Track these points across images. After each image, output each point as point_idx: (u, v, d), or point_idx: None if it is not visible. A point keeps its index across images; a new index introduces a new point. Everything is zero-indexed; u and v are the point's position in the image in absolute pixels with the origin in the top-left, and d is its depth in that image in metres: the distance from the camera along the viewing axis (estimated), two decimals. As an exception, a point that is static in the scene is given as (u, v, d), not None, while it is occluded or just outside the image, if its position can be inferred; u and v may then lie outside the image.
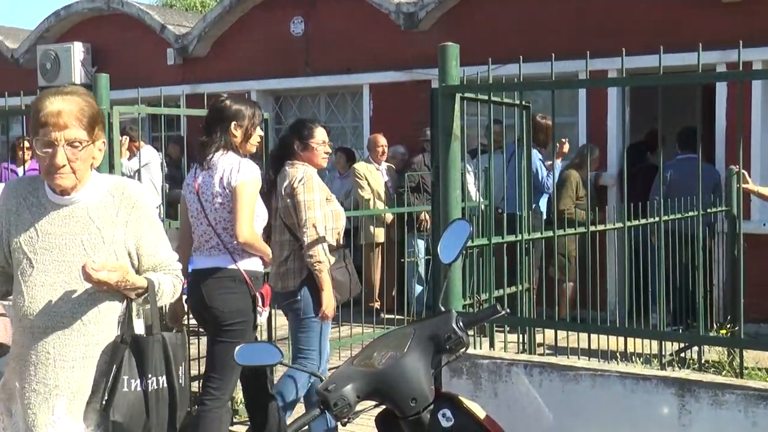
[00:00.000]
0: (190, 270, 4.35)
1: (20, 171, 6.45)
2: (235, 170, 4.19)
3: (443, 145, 4.24)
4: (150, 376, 2.84)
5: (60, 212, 2.86)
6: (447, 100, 4.24)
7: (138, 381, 2.83)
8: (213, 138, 4.28)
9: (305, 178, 4.71)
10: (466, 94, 4.36)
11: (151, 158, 9.32)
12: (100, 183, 2.93)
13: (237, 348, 2.74)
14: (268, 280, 4.73)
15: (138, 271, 2.93)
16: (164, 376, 2.87)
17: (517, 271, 4.75)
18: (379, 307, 8.75)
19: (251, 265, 4.28)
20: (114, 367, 2.79)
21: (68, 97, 2.79)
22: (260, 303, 4.25)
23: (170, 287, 2.98)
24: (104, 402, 2.78)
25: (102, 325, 2.85)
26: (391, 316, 7.75)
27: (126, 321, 2.89)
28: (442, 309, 2.70)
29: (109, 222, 2.87)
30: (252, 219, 4.21)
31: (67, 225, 2.85)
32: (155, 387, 2.85)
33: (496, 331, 4.85)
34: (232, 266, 4.21)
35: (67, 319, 2.82)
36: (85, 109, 2.80)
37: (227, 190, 4.19)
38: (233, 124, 4.29)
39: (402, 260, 8.17)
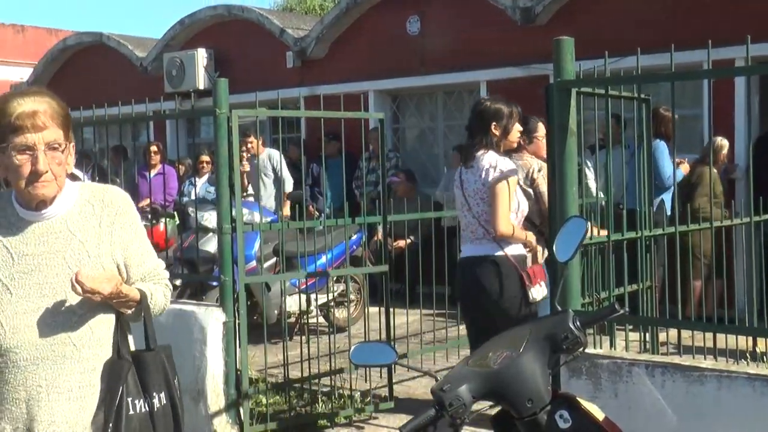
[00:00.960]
0: (459, 258, 4.87)
1: (148, 175, 6.71)
2: (492, 169, 4.62)
3: (559, 140, 4.17)
4: (154, 394, 2.57)
5: (35, 229, 2.55)
6: (562, 95, 4.18)
7: (142, 401, 2.55)
8: (475, 140, 4.73)
9: (543, 170, 5.06)
10: (583, 89, 4.29)
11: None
12: (75, 192, 2.62)
13: (353, 348, 2.77)
14: None
15: (127, 284, 2.63)
16: (164, 392, 2.60)
17: (638, 269, 4.64)
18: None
19: (514, 249, 4.68)
20: (119, 390, 2.51)
21: (38, 98, 2.49)
22: (527, 281, 4.59)
23: (162, 298, 2.72)
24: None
25: (96, 348, 2.56)
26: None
27: (121, 337, 2.61)
28: (559, 308, 2.66)
29: (93, 234, 2.58)
30: (507, 214, 4.62)
31: (46, 243, 2.54)
32: (158, 405, 2.58)
33: (618, 329, 4.75)
34: (498, 252, 4.63)
35: (59, 346, 2.51)
36: (56, 108, 2.51)
37: (485, 187, 4.63)
38: (493, 124, 4.71)
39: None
